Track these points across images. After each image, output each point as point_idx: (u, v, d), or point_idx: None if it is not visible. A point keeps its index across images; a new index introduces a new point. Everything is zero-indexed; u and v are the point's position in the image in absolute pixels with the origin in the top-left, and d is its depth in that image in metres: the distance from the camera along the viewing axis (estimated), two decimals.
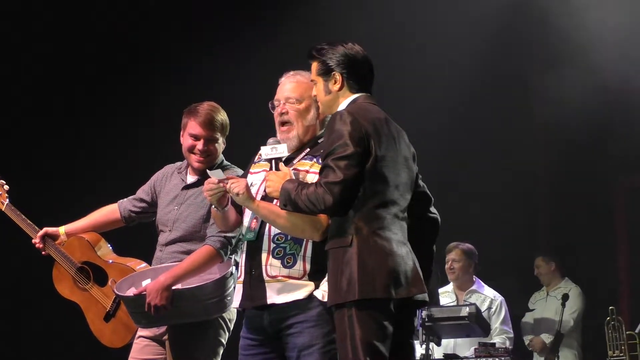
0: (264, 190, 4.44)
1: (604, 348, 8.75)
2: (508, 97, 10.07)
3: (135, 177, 5.80)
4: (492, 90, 10.01)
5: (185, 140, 5.26)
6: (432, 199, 4.55)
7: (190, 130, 5.23)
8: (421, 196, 4.48)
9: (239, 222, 4.59)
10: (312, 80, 4.46)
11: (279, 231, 4.38)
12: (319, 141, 4.53)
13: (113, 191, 5.83)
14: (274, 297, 4.36)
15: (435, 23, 9.64)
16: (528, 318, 9.43)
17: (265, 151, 4.46)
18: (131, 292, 5.03)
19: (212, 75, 9.42)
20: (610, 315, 8.74)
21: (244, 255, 4.49)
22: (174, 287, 4.93)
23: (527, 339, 9.27)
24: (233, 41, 9.70)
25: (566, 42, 9.74)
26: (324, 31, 4.86)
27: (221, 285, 4.95)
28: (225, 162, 5.32)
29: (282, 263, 4.36)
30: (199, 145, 5.21)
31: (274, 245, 4.39)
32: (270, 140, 4.50)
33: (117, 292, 5.10)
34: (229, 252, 5.04)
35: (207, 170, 4.69)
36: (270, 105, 4.62)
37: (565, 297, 8.85)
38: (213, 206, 4.59)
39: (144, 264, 5.39)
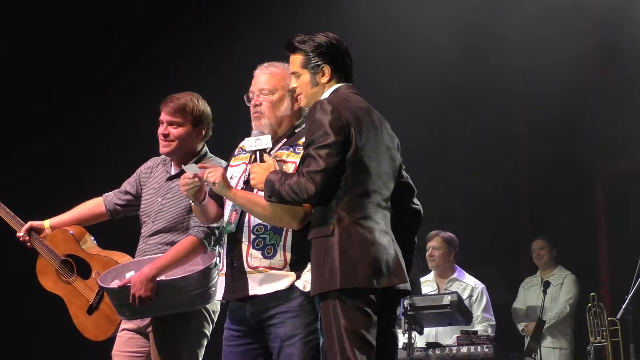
0: (244, 183, 4.47)
1: (586, 334, 8.81)
2: (489, 87, 10.08)
3: (120, 171, 5.80)
4: (472, 81, 10.02)
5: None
6: (415, 190, 4.57)
7: (160, 117, 5.26)
8: (404, 187, 4.50)
9: (220, 215, 4.61)
10: (294, 73, 4.45)
11: (259, 222, 4.39)
12: (296, 131, 4.55)
13: (99, 185, 5.83)
14: (255, 288, 4.38)
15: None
16: (519, 304, 9.46)
17: (249, 143, 4.46)
18: (115, 284, 5.03)
19: (197, 68, 9.44)
20: (592, 301, 8.77)
21: (225, 248, 4.51)
22: (158, 279, 4.94)
23: (521, 325, 9.30)
24: (219, 35, 9.73)
25: (545, 30, 9.79)
26: (302, 26, 4.85)
27: (205, 276, 4.96)
28: (209, 155, 5.32)
29: (263, 254, 4.38)
30: (160, 129, 5.23)
31: (254, 236, 4.40)
32: (255, 131, 4.51)
33: (100, 284, 5.10)
34: (212, 243, 5.04)
35: (182, 165, 4.72)
36: (245, 97, 4.64)
37: (546, 285, 8.86)
38: (190, 201, 4.61)
39: (128, 257, 5.38)
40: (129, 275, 5.03)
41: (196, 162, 5.16)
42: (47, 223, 5.50)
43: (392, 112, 4.79)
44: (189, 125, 5.23)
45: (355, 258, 4.13)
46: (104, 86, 9.69)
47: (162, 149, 5.25)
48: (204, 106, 5.29)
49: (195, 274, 4.94)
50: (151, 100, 5.73)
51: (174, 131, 5.21)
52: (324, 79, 4.41)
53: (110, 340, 5.36)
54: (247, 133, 4.59)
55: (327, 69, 4.41)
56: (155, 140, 5.32)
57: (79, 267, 5.43)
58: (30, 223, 5.50)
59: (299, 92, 4.46)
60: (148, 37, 9.79)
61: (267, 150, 4.45)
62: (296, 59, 4.44)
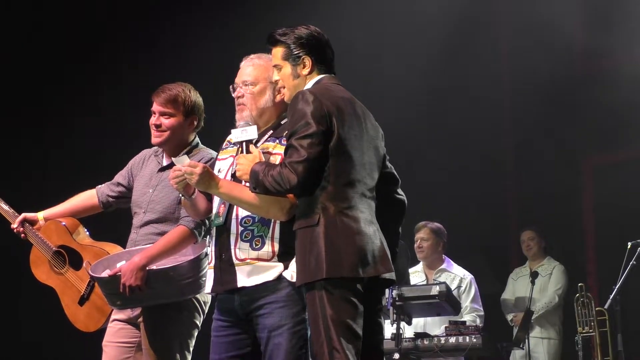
0: (232, 176, 4.48)
1: (574, 324, 8.85)
2: (476, 77, 10.09)
3: (111, 163, 5.82)
4: (460, 71, 10.06)
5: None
6: (399, 180, 4.59)
7: (152, 107, 5.28)
8: (388, 177, 4.52)
9: (210, 209, 4.62)
10: (276, 65, 4.46)
11: (247, 214, 4.40)
12: (282, 123, 4.55)
13: (91, 177, 5.86)
14: (243, 280, 4.39)
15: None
16: (508, 295, 9.48)
17: (236, 134, 4.48)
18: (106, 274, 5.04)
19: (189, 60, 9.45)
20: (580, 291, 8.80)
21: (213, 240, 4.52)
22: (148, 268, 4.95)
23: (509, 316, 9.33)
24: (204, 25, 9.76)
25: (533, 17, 9.81)
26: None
27: (195, 265, 4.97)
28: (201, 145, 5.33)
29: (251, 246, 4.39)
30: (152, 119, 5.25)
31: (242, 228, 4.41)
32: (241, 122, 4.53)
33: (91, 274, 5.11)
34: (202, 233, 5.06)
35: (172, 159, 4.73)
36: (231, 88, 4.66)
37: (534, 275, 8.89)
38: (181, 195, 4.63)
39: (119, 247, 5.39)
40: (120, 265, 5.04)
41: (187, 153, 5.21)
42: (40, 215, 5.52)
43: (379, 103, 4.83)
44: (181, 116, 5.25)
45: (341, 247, 4.14)
46: (92, 79, 9.74)
47: (153, 140, 5.26)
48: (195, 97, 5.31)
49: (185, 263, 4.95)
50: (140, 91, 5.77)
51: (166, 121, 5.22)
52: (305, 71, 4.43)
53: (101, 331, 5.36)
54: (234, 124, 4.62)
55: (307, 61, 4.42)
56: (145, 132, 5.34)
57: (71, 258, 5.44)
58: (24, 215, 5.51)
59: (281, 85, 4.47)
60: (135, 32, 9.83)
61: (253, 141, 4.47)
62: (277, 52, 4.46)
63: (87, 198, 5.56)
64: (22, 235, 5.51)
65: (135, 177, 5.43)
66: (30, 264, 5.55)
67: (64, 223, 5.49)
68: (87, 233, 5.55)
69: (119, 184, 5.50)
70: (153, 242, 5.12)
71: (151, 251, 5.00)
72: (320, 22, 4.70)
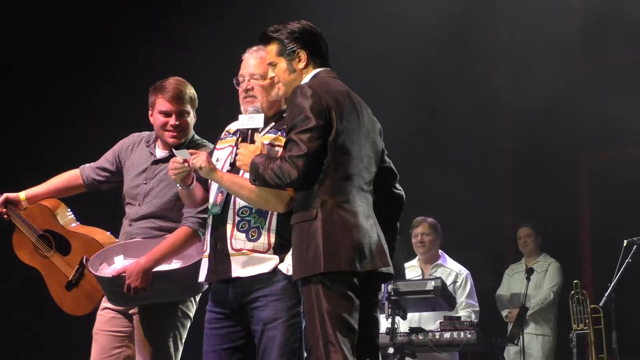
0: (230, 165, 4.48)
1: (569, 321, 8.81)
2: (473, 74, 10.16)
3: (98, 146, 5.73)
4: (457, 68, 10.11)
5: (157, 119, 5.23)
6: (398, 175, 4.60)
7: (160, 107, 5.20)
8: (387, 172, 4.54)
9: (206, 199, 4.60)
10: (270, 63, 4.46)
11: (244, 204, 4.39)
12: (284, 115, 4.50)
13: (75, 157, 5.78)
14: (238, 270, 4.37)
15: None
16: (503, 291, 9.51)
17: (243, 120, 4.47)
18: (103, 267, 5.03)
19: (175, 50, 9.48)
20: (575, 289, 8.80)
21: (209, 229, 4.51)
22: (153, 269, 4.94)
23: (504, 312, 9.35)
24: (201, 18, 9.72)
25: (530, 19, 9.80)
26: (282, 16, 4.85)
27: (199, 267, 4.88)
28: (197, 137, 5.30)
29: (247, 236, 4.37)
30: (172, 120, 5.19)
31: (239, 218, 4.40)
32: (250, 108, 4.52)
33: (93, 273, 5.04)
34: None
35: (173, 150, 4.72)
36: (234, 81, 4.65)
37: (530, 272, 8.89)
38: (178, 185, 4.61)
39: (107, 234, 5.38)
40: (117, 259, 5.05)
41: (187, 147, 5.16)
42: (22, 195, 5.46)
43: (375, 100, 4.76)
44: (193, 111, 5.28)
45: (338, 241, 4.13)
46: (85, 61, 9.76)
47: (171, 140, 5.21)
48: (193, 90, 5.31)
49: (190, 265, 4.92)
50: (131, 76, 5.70)
51: (184, 121, 5.22)
52: (301, 65, 4.43)
53: (91, 319, 5.32)
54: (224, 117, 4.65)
55: (303, 54, 4.42)
56: (134, 115, 5.34)
57: (57, 242, 5.38)
58: (5, 195, 5.45)
59: (277, 80, 4.47)
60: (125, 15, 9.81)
61: (259, 130, 4.46)
62: (271, 49, 4.45)
63: (70, 178, 5.51)
64: (5, 216, 5.44)
65: (124, 162, 5.39)
66: (13, 245, 5.50)
67: (47, 205, 5.43)
68: (72, 214, 5.49)
69: (105, 169, 5.45)
70: (150, 236, 5.12)
71: (157, 254, 4.97)
72: (314, 18, 4.67)
